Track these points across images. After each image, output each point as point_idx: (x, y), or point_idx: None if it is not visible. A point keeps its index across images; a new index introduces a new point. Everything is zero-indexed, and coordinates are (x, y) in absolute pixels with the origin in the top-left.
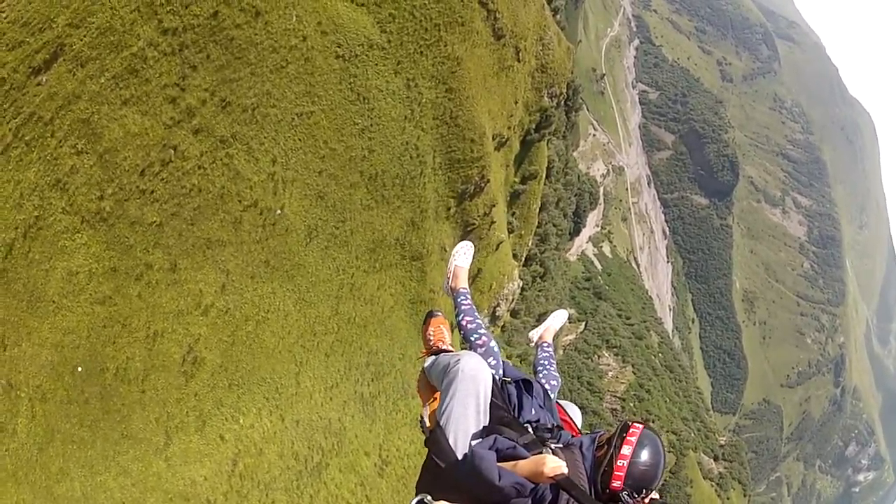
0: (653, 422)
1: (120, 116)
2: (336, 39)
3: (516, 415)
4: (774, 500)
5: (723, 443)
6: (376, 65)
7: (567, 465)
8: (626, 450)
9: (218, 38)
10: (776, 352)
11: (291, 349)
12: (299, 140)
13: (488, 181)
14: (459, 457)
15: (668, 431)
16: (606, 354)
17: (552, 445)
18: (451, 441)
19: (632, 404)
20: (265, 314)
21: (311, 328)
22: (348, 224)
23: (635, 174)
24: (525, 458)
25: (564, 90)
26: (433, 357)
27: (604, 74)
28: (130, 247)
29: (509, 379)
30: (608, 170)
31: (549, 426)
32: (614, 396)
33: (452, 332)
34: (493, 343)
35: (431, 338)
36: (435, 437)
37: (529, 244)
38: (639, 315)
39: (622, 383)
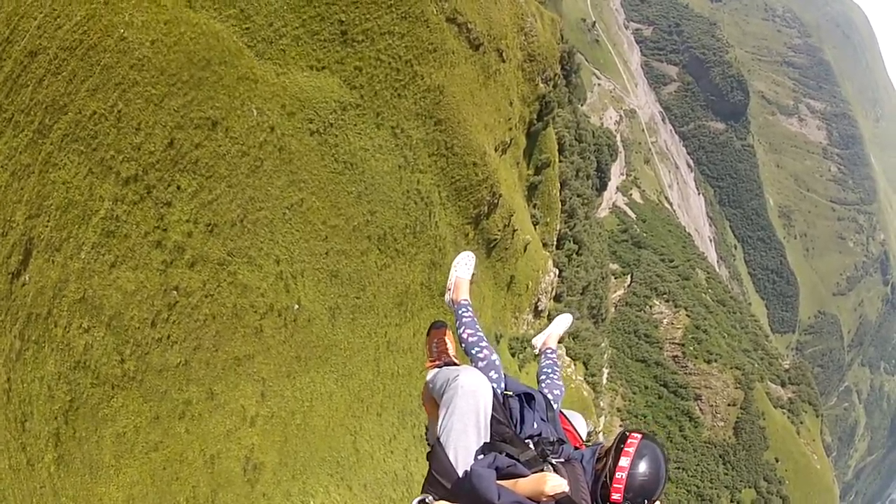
0: (714, 359)
1: (113, 281)
2: (305, 116)
3: (518, 429)
4: (847, 409)
5: (787, 367)
6: (355, 125)
7: (569, 482)
8: (624, 461)
9: (182, 165)
10: (822, 261)
11: (343, 422)
12: (297, 231)
13: (500, 195)
14: (460, 473)
15: (731, 367)
16: (657, 302)
17: (553, 461)
18: (451, 458)
19: (691, 347)
20: (310, 403)
21: (357, 396)
22: (369, 289)
23: (648, 114)
24: (526, 476)
25: (558, 70)
26: (435, 370)
27: (594, 22)
28: (165, 392)
29: (511, 392)
30: (620, 116)
31: (552, 440)
32: (673, 344)
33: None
34: (494, 356)
35: (435, 350)
36: (435, 453)
37: (557, 227)
38: (681, 255)
39: (678, 328)
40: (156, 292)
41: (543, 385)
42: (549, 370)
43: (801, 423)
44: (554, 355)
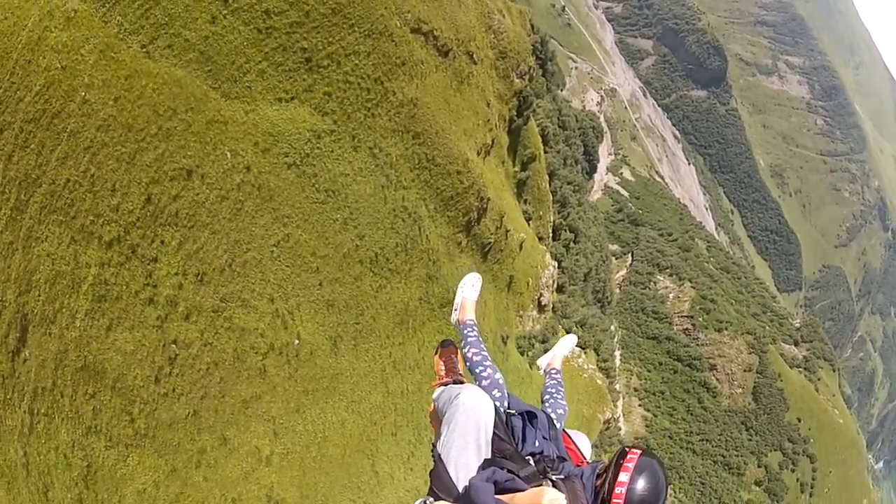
0: (724, 328)
1: (111, 344)
2: (280, 150)
3: (520, 447)
4: (863, 360)
5: (798, 325)
6: (332, 152)
7: (568, 497)
8: (624, 476)
9: (162, 219)
10: (819, 215)
11: (358, 448)
12: (287, 267)
13: (489, 199)
14: (460, 489)
15: (742, 333)
16: (661, 278)
17: (553, 477)
18: (451, 474)
19: (700, 318)
20: (323, 434)
21: (369, 420)
22: (367, 313)
23: (628, 91)
24: (524, 490)
25: (532, 62)
26: (441, 388)
27: (564, 6)
28: (178, 444)
29: (514, 411)
30: (601, 96)
31: (552, 457)
32: (681, 317)
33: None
34: (498, 375)
35: (443, 368)
36: (436, 469)
37: (551, 219)
38: (679, 227)
39: (685, 301)
40: (155, 349)
41: (547, 404)
42: (553, 390)
43: (819, 379)
44: (559, 375)
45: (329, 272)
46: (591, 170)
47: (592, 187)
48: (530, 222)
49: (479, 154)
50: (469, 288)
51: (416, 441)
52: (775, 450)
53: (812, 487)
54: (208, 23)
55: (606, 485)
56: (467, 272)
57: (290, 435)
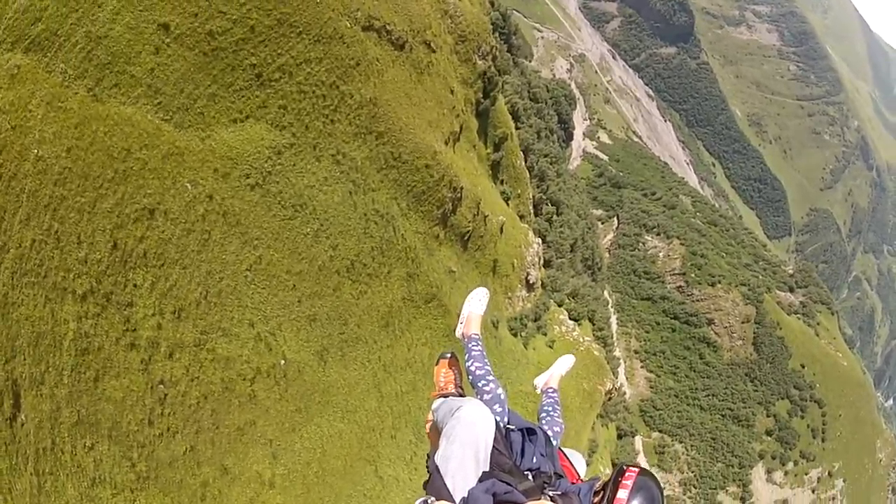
0: (717, 281)
1: (101, 394)
2: (241, 172)
3: (518, 462)
4: (860, 299)
5: (791, 272)
6: (294, 165)
7: None
8: (623, 494)
9: (131, 263)
10: (802, 160)
11: (359, 455)
12: (263, 289)
13: (462, 187)
14: (457, 501)
15: (737, 285)
16: (649, 238)
17: (551, 493)
18: (449, 486)
19: (693, 274)
20: (322, 449)
21: (366, 427)
22: (351, 321)
23: (597, 55)
24: (522, 503)
25: (493, 42)
26: (441, 400)
27: None
28: (181, 481)
29: (513, 427)
30: (570, 63)
31: (550, 474)
32: (673, 275)
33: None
34: (500, 390)
35: (442, 380)
36: (433, 480)
37: (531, 195)
38: (662, 185)
39: (675, 259)
40: (144, 392)
41: (544, 422)
42: (550, 408)
43: (818, 324)
44: (556, 395)
45: (306, 287)
46: (568, 138)
47: (571, 155)
48: (509, 202)
49: (447, 143)
50: (476, 303)
51: (417, 440)
52: (782, 398)
53: (823, 432)
54: (152, 54)
55: (605, 502)
56: (450, 261)
57: (289, 455)
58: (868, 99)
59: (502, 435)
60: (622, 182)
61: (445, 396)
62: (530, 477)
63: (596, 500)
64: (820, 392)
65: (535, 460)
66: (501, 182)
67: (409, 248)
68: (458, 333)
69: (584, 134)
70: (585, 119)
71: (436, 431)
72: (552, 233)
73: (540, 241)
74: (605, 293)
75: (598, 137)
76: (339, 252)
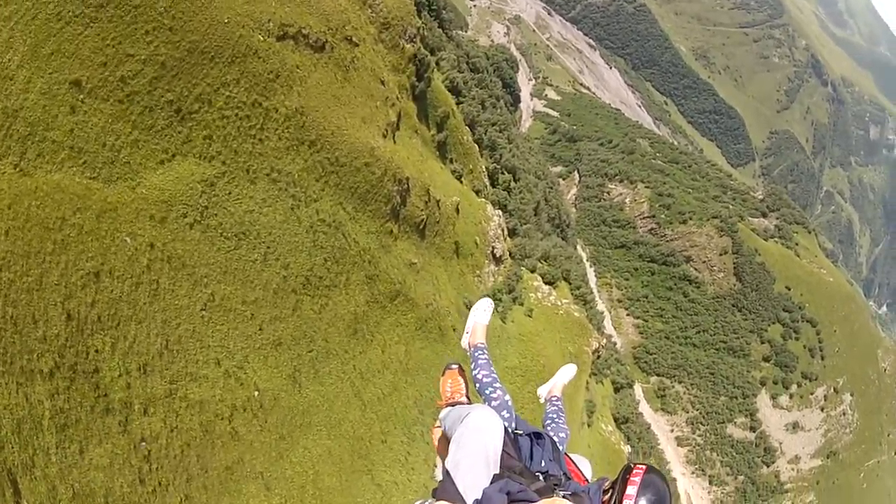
0: (688, 218)
1: (89, 464)
2: (177, 213)
3: (528, 465)
4: (835, 213)
5: (761, 197)
6: (230, 194)
7: None
8: (631, 490)
9: (88, 330)
10: (754, 86)
11: (353, 468)
12: (221, 325)
13: (408, 177)
14: (470, 503)
15: (708, 219)
16: (612, 186)
17: (561, 493)
18: (461, 490)
19: (662, 215)
20: (314, 469)
21: (354, 438)
22: (318, 337)
23: (532, 14)
24: (536, 501)
25: (419, 23)
26: (448, 409)
27: None
28: None
29: (521, 432)
30: (507, 26)
31: (559, 476)
32: (643, 219)
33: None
34: (507, 397)
35: (449, 390)
36: (444, 486)
37: (484, 168)
38: (617, 132)
39: (642, 202)
40: (128, 453)
41: (549, 429)
42: (555, 415)
43: (797, 244)
44: (559, 402)
45: (265, 313)
46: (515, 101)
47: (521, 117)
48: (462, 180)
49: (385, 136)
50: (481, 313)
51: (409, 440)
52: (773, 323)
53: (821, 351)
54: (69, 115)
55: (614, 500)
56: (410, 254)
57: (282, 483)
58: (812, 17)
59: (511, 439)
60: (577, 135)
61: (453, 405)
62: (541, 478)
63: (605, 498)
64: (810, 311)
65: (543, 464)
66: (451, 161)
67: (363, 251)
68: (463, 344)
69: (531, 94)
70: (530, 79)
71: (444, 439)
72: (513, 200)
73: (500, 212)
74: (579, 249)
75: (546, 95)
76: (292, 271)
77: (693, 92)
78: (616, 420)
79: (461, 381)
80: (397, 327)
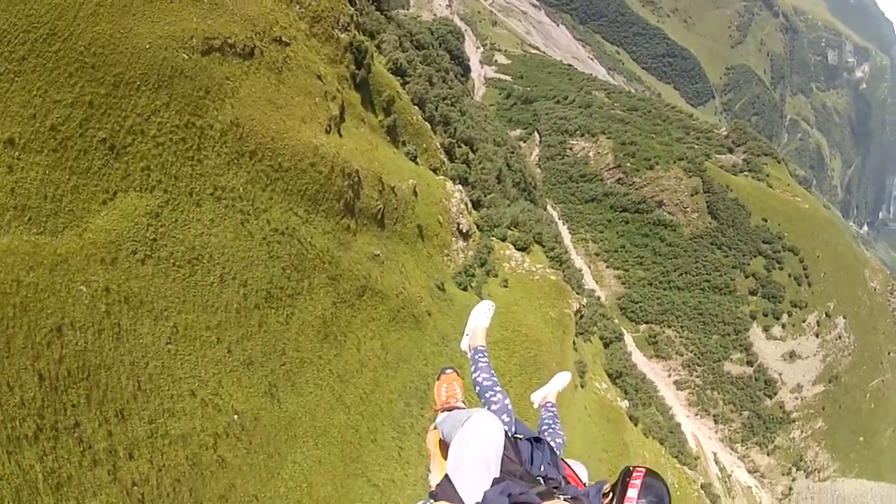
0: (654, 163)
1: None
2: (127, 251)
3: (528, 469)
4: (803, 140)
5: (725, 133)
6: (175, 221)
7: None
8: (632, 493)
9: (61, 386)
10: (704, 25)
11: (347, 473)
12: (189, 355)
13: (357, 170)
14: None
15: (674, 161)
16: (574, 141)
17: (561, 497)
18: (461, 493)
19: (628, 163)
20: (307, 482)
21: (343, 442)
22: (289, 349)
23: None
24: (537, 503)
25: (351, 11)
26: (445, 413)
27: None
28: None
29: (521, 436)
30: None
31: (558, 480)
32: (609, 170)
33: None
34: (507, 401)
35: (444, 394)
36: (443, 488)
37: (438, 144)
38: (572, 88)
39: (606, 154)
40: (122, 501)
41: (546, 435)
42: (551, 421)
43: (767, 175)
44: (554, 409)
45: (231, 335)
46: (466, 71)
47: (474, 87)
48: (418, 161)
49: (328, 131)
50: (482, 316)
51: (399, 434)
52: (755, 256)
53: (807, 277)
54: (7, 175)
55: (615, 500)
56: (372, 246)
57: (277, 502)
58: None
59: (511, 443)
60: (532, 96)
61: (449, 410)
62: (541, 482)
63: (605, 501)
64: (790, 240)
65: (543, 468)
66: (403, 144)
67: (321, 253)
68: (463, 346)
69: (480, 62)
70: (478, 47)
71: (442, 445)
72: (473, 172)
73: (460, 186)
74: (549, 208)
75: (496, 61)
76: (251, 287)
77: (643, 38)
78: (610, 376)
79: (456, 385)
80: (370, 323)
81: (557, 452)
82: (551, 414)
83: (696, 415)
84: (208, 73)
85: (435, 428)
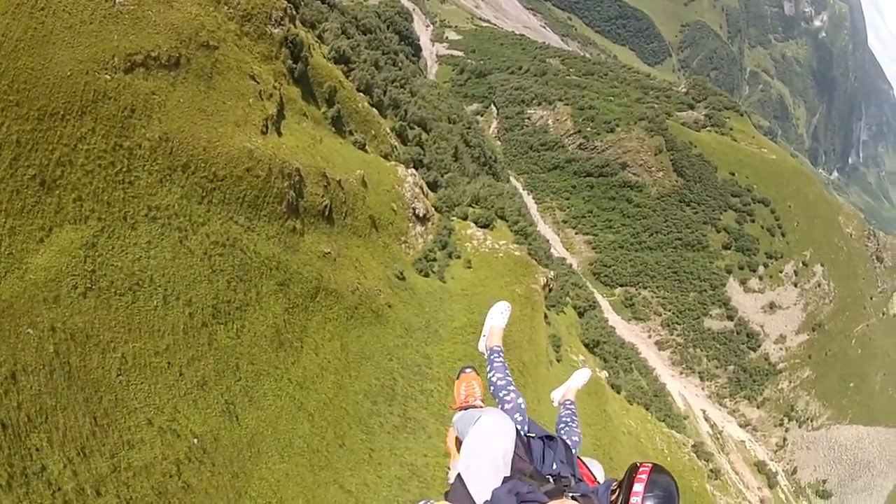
0: (615, 126)
1: None
2: (68, 286)
3: (539, 468)
4: (764, 90)
5: (685, 90)
6: (112, 248)
7: None
8: (638, 487)
9: (24, 432)
10: None
11: (317, 482)
12: (141, 383)
13: (298, 168)
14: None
15: (635, 122)
16: (532, 111)
17: (570, 495)
18: (472, 492)
19: (588, 128)
20: (277, 497)
21: (311, 449)
22: (243, 363)
23: None
24: (545, 503)
25: (284, 4)
26: (462, 412)
27: None
28: None
29: (534, 435)
30: None
31: (569, 478)
32: (570, 136)
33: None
34: (520, 400)
35: (463, 393)
36: (455, 488)
37: (388, 129)
38: (525, 58)
39: (565, 120)
40: None
41: (562, 433)
42: (569, 419)
43: (731, 129)
44: (573, 406)
45: (181, 357)
46: (417, 51)
47: (426, 65)
48: (367, 148)
49: (265, 132)
50: (498, 316)
51: (368, 435)
52: (725, 210)
53: (780, 228)
54: None
55: (622, 496)
56: (322, 244)
57: None
58: None
59: (523, 442)
60: (485, 69)
61: (466, 409)
62: (551, 481)
63: (613, 497)
64: (760, 192)
65: (554, 466)
66: (350, 133)
67: (267, 259)
68: (480, 347)
69: (431, 40)
70: (427, 26)
71: (458, 442)
72: (428, 153)
73: (414, 170)
74: (512, 180)
75: (447, 37)
76: (197, 305)
77: (594, 2)
78: (587, 346)
79: (475, 384)
80: (326, 324)
81: (573, 450)
82: (569, 412)
83: (681, 373)
84: (132, 90)
85: (453, 426)
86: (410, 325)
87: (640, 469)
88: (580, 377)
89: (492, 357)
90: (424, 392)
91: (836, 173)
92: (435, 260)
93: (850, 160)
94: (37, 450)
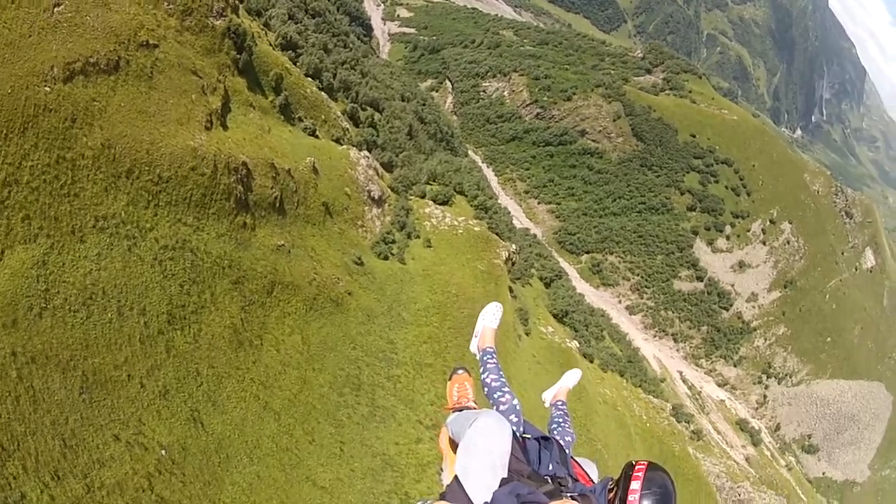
0: (572, 94)
1: None
2: (22, 308)
3: (536, 469)
4: (722, 52)
5: (641, 55)
6: (62, 264)
7: None
8: (635, 485)
9: (2, 480)
10: None
11: (289, 481)
12: (104, 399)
13: (244, 162)
14: None
15: (592, 89)
16: (487, 83)
17: (569, 495)
18: (469, 493)
19: (545, 97)
20: (250, 500)
21: (280, 448)
22: (203, 367)
23: None
24: (545, 503)
25: None
26: (455, 413)
27: None
28: None
29: (529, 436)
30: None
31: (566, 478)
32: (526, 106)
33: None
34: (515, 401)
35: (456, 394)
36: (452, 489)
37: (338, 113)
38: (478, 31)
39: (521, 91)
40: None
41: (556, 433)
42: (561, 419)
43: (690, 91)
44: (564, 407)
45: (140, 368)
46: (368, 31)
47: (378, 45)
48: (318, 134)
49: (209, 127)
50: (490, 317)
51: (337, 429)
52: (688, 172)
53: (745, 187)
54: None
55: (619, 495)
56: (276, 237)
57: None
58: None
59: (519, 444)
60: (438, 45)
61: (460, 410)
62: (549, 481)
63: (611, 496)
64: (722, 152)
65: (551, 467)
66: (300, 120)
67: (218, 258)
68: (472, 348)
69: (382, 19)
70: (379, 4)
71: (452, 443)
72: (381, 134)
73: (367, 152)
74: (471, 154)
75: (398, 15)
76: (151, 313)
77: None
78: (556, 317)
79: (468, 385)
80: (285, 318)
81: (567, 451)
82: (561, 412)
83: (655, 336)
84: (72, 99)
85: (446, 427)
86: (372, 311)
87: (637, 467)
88: (571, 378)
89: (485, 358)
90: (391, 378)
91: (799, 131)
92: (394, 242)
93: (812, 118)
94: (14, 478)
